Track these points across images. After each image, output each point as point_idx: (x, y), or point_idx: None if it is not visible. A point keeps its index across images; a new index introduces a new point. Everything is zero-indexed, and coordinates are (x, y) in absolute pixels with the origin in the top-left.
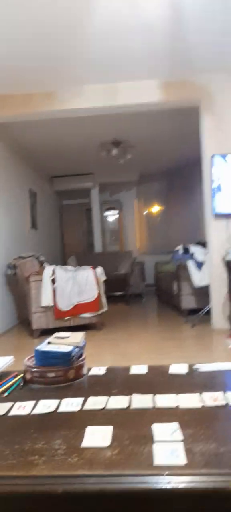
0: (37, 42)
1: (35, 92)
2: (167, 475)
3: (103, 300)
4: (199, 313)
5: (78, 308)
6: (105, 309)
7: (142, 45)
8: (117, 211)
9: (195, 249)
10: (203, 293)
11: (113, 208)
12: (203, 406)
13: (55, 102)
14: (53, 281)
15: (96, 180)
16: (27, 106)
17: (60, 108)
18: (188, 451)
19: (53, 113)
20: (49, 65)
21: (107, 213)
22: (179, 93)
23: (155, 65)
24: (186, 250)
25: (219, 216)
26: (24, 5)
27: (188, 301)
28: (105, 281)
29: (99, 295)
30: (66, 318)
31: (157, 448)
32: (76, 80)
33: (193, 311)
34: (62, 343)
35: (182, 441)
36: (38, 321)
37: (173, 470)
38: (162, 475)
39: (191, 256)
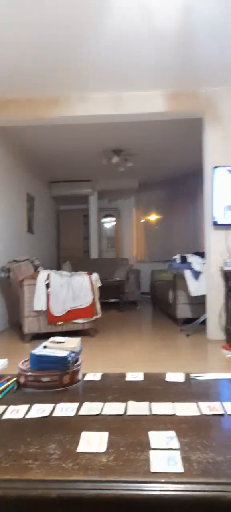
0: (44, 46)
1: (40, 97)
2: (164, 482)
3: (98, 306)
4: (195, 322)
5: (72, 314)
6: (99, 315)
7: (149, 56)
8: (114, 218)
9: (192, 259)
10: (199, 302)
11: (111, 215)
12: (200, 415)
13: (59, 108)
14: (47, 285)
15: (95, 187)
16: (31, 111)
17: (63, 115)
18: (185, 460)
19: (57, 119)
20: (54, 71)
21: (104, 220)
22: (183, 103)
23: (161, 75)
24: (184, 259)
25: (218, 226)
26: (32, 8)
27: (183, 310)
28: (100, 287)
29: (93, 301)
30: (59, 323)
31: (153, 455)
32: (81, 87)
33: (189, 321)
34: (58, 347)
35: (179, 449)
36: (30, 325)
37: (170, 478)
38: (159, 482)
39: (189, 266)
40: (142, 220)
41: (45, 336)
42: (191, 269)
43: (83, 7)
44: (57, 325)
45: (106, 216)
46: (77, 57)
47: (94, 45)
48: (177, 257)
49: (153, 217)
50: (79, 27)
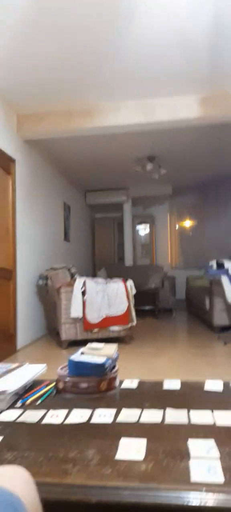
0: (76, 58)
1: (74, 109)
2: (205, 491)
3: (133, 313)
4: None
5: (108, 321)
6: (134, 322)
7: (180, 62)
8: (148, 225)
9: (229, 264)
10: None
11: (145, 222)
12: None
13: (92, 119)
14: (83, 292)
15: (129, 194)
16: (66, 123)
17: (97, 125)
18: (226, 469)
19: (90, 130)
20: (87, 82)
21: (139, 226)
22: (216, 108)
23: (192, 80)
24: (220, 265)
25: None
26: (64, 19)
27: (220, 318)
28: (135, 295)
29: (129, 309)
30: (95, 330)
31: (193, 464)
32: (113, 96)
33: (226, 328)
34: (95, 354)
35: (219, 458)
36: (67, 332)
37: (210, 487)
38: (200, 491)
39: (226, 272)
40: (177, 226)
41: (82, 342)
42: (228, 275)
43: (113, 17)
44: (93, 332)
45: (140, 223)
46: (109, 67)
47: (125, 54)
48: (213, 263)
49: (188, 223)
50: (110, 36)
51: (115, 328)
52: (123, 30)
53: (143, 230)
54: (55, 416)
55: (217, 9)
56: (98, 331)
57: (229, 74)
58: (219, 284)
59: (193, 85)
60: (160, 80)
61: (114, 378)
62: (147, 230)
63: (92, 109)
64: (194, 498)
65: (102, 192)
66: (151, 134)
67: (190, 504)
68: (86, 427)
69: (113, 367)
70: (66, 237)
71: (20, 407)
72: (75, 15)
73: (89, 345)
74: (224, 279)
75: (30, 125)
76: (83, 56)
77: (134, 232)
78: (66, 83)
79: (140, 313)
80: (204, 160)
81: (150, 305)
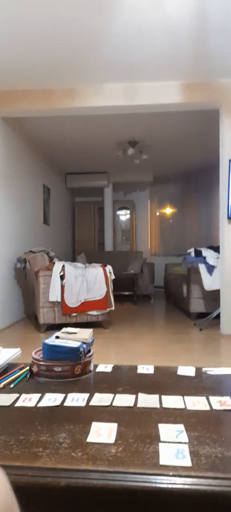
0: (58, 38)
1: (55, 88)
2: (172, 475)
3: (111, 298)
4: (208, 317)
5: (86, 305)
6: (112, 307)
7: (164, 47)
8: (129, 211)
9: (207, 253)
10: (212, 297)
11: (126, 208)
12: (210, 410)
13: (74, 99)
14: (62, 277)
15: (110, 179)
16: (46, 102)
17: (79, 106)
18: (194, 454)
19: (72, 110)
20: (69, 62)
21: (119, 212)
22: (199, 95)
23: (176, 66)
24: (198, 253)
25: None
26: (47, 1)
27: (197, 305)
28: (114, 280)
29: (107, 294)
30: (73, 314)
31: (162, 448)
32: (96, 78)
33: (202, 315)
34: (70, 338)
35: (188, 443)
36: (45, 316)
37: (178, 471)
38: (167, 475)
39: (203, 259)
40: (157, 214)
41: (60, 327)
42: (206, 263)
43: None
44: (72, 316)
45: (121, 208)
46: (92, 48)
47: (108, 36)
48: (191, 251)
49: (168, 211)
50: (93, 19)
51: (93, 312)
52: (107, 12)
53: (124, 215)
54: (28, 400)
55: None
56: (77, 316)
57: (212, 63)
58: (197, 271)
59: (176, 72)
60: (144, 64)
61: (88, 363)
62: (128, 216)
63: (74, 89)
64: (161, 481)
65: (83, 176)
66: (133, 118)
67: (157, 486)
68: (59, 411)
69: (88, 351)
70: (45, 220)
71: None
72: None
73: (64, 329)
74: (201, 266)
75: (9, 102)
76: (65, 37)
77: (115, 217)
78: (48, 63)
79: (118, 298)
80: (186, 149)
81: (128, 291)
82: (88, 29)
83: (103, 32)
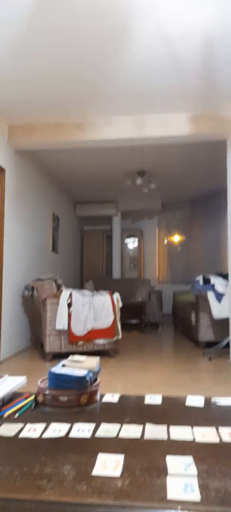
0: (69, 73)
1: (65, 122)
2: (181, 510)
3: (118, 327)
4: (217, 346)
5: (93, 333)
6: (119, 336)
7: (172, 80)
8: (137, 238)
9: (215, 280)
10: (221, 325)
11: (134, 236)
12: (219, 441)
13: (84, 132)
14: (69, 304)
15: (118, 208)
16: (57, 135)
17: (88, 138)
18: (203, 487)
19: (82, 142)
20: (79, 97)
21: (127, 240)
22: (207, 126)
23: (183, 99)
24: (206, 281)
25: None
26: (56, 34)
27: (206, 333)
28: (121, 308)
29: (114, 322)
30: (80, 343)
31: (170, 481)
32: (105, 111)
33: (211, 344)
34: (77, 366)
35: (197, 476)
36: (52, 344)
37: (186, 506)
38: (176, 509)
39: (212, 287)
40: (165, 241)
41: (66, 355)
42: (214, 291)
43: (109, 36)
44: (78, 345)
45: (129, 236)
46: (101, 83)
47: (117, 71)
48: (200, 279)
49: (176, 238)
50: (103, 54)
51: (100, 341)
52: (118, 49)
53: (132, 243)
54: (32, 430)
55: (205, 32)
56: (83, 344)
57: (219, 96)
58: (205, 299)
59: (184, 104)
60: (152, 97)
61: (95, 392)
62: (136, 244)
63: (84, 121)
64: None
65: (92, 205)
66: (141, 149)
67: None
68: (64, 442)
69: (95, 380)
70: (54, 248)
71: None
72: (70, 31)
73: (71, 357)
74: (210, 294)
75: (22, 135)
76: (76, 72)
77: (123, 245)
78: (59, 96)
79: (126, 326)
80: (193, 176)
81: (136, 319)
82: (98, 64)
83: (113, 67)
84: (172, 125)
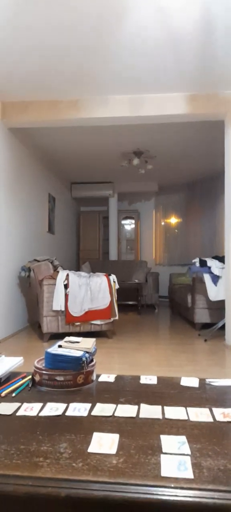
0: (64, 51)
1: (61, 99)
2: (174, 487)
3: (115, 308)
4: (213, 327)
5: (90, 315)
6: (116, 317)
7: (169, 59)
8: (134, 220)
9: (212, 263)
10: (217, 307)
11: (131, 217)
12: (213, 421)
13: (80, 111)
14: (66, 286)
15: (115, 189)
16: (52, 113)
17: (84, 117)
18: (196, 466)
19: (77, 121)
20: (75, 74)
21: (124, 221)
22: (204, 106)
23: (180, 78)
24: (203, 263)
25: None
26: (53, 11)
27: (202, 315)
28: (118, 290)
29: (111, 303)
30: (77, 323)
31: (164, 460)
32: (101, 90)
33: (207, 325)
34: (73, 347)
35: (190, 455)
36: (49, 325)
37: (179, 483)
38: (169, 487)
39: (208, 270)
40: (162, 223)
41: (64, 336)
42: (211, 273)
43: (104, 12)
44: (75, 326)
45: (126, 218)
46: (97, 61)
47: (113, 49)
48: (196, 261)
49: (173, 220)
50: (98, 32)
51: (97, 322)
52: (113, 27)
53: (128, 225)
54: (29, 409)
55: (204, 9)
56: (80, 325)
57: (218, 75)
58: (202, 282)
59: (181, 83)
60: (149, 76)
61: (91, 372)
62: (132, 226)
63: (79, 100)
64: (163, 493)
65: (88, 185)
66: (138, 129)
67: (158, 498)
68: (60, 421)
69: (91, 361)
70: (50, 229)
71: None
72: (66, 9)
73: (67, 338)
74: (206, 277)
75: (15, 112)
76: (72, 51)
77: (119, 226)
78: (54, 75)
79: (123, 308)
80: (191, 159)
81: (133, 301)
82: (94, 42)
83: (108, 45)
84: (168, 104)
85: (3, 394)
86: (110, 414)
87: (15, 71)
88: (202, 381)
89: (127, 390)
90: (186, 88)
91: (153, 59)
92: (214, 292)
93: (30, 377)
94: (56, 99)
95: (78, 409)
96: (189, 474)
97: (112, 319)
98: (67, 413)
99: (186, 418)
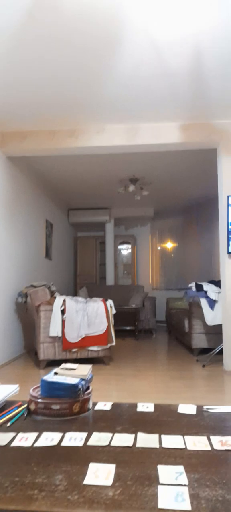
0: (62, 83)
1: (58, 129)
2: None
3: (112, 333)
4: (211, 353)
5: (87, 340)
6: (113, 343)
7: (163, 90)
8: (130, 245)
9: (208, 287)
10: (215, 332)
11: (127, 242)
12: (211, 450)
13: (77, 140)
14: (63, 311)
15: (111, 215)
16: (50, 142)
17: (81, 146)
18: (194, 497)
19: (74, 149)
20: (72, 105)
21: (121, 246)
22: (197, 135)
23: (174, 108)
24: (199, 288)
25: None
26: (49, 46)
27: (199, 340)
28: (115, 315)
29: (108, 329)
30: (74, 350)
31: (161, 491)
32: (98, 119)
33: (205, 351)
34: (69, 374)
35: (188, 485)
36: (46, 351)
37: None
38: None
39: (204, 294)
40: (158, 248)
41: (60, 362)
42: (207, 297)
43: (97, 47)
44: (72, 352)
45: (122, 243)
46: (94, 92)
47: (109, 81)
48: (192, 285)
49: (169, 245)
50: (95, 64)
51: (94, 348)
52: (110, 59)
53: (125, 250)
54: (24, 439)
55: (196, 45)
56: (77, 351)
57: (210, 105)
58: (198, 306)
59: (175, 113)
60: (144, 107)
61: (87, 400)
62: (129, 250)
63: (76, 129)
64: None
65: (85, 211)
66: (134, 157)
67: None
68: (56, 451)
69: (87, 388)
70: (47, 254)
71: None
72: (63, 43)
73: (63, 365)
74: (203, 301)
75: (14, 142)
76: (69, 83)
77: (116, 251)
78: (52, 106)
79: (120, 333)
80: (186, 184)
81: (130, 326)
82: (90, 74)
83: (104, 77)
84: (163, 133)
85: None
86: (107, 443)
87: (14, 103)
88: (199, 408)
89: (123, 418)
90: (180, 118)
91: (147, 90)
92: (211, 317)
93: (25, 406)
94: (54, 129)
95: (74, 438)
96: (186, 505)
97: (109, 345)
98: (62, 443)
99: (183, 447)
